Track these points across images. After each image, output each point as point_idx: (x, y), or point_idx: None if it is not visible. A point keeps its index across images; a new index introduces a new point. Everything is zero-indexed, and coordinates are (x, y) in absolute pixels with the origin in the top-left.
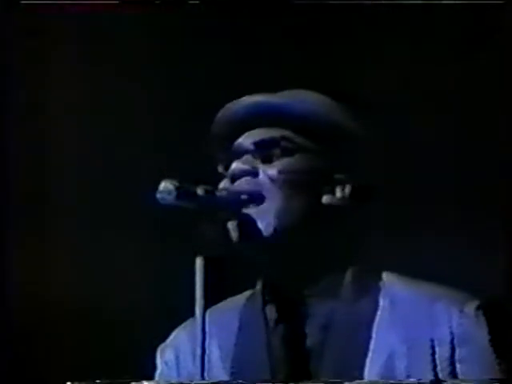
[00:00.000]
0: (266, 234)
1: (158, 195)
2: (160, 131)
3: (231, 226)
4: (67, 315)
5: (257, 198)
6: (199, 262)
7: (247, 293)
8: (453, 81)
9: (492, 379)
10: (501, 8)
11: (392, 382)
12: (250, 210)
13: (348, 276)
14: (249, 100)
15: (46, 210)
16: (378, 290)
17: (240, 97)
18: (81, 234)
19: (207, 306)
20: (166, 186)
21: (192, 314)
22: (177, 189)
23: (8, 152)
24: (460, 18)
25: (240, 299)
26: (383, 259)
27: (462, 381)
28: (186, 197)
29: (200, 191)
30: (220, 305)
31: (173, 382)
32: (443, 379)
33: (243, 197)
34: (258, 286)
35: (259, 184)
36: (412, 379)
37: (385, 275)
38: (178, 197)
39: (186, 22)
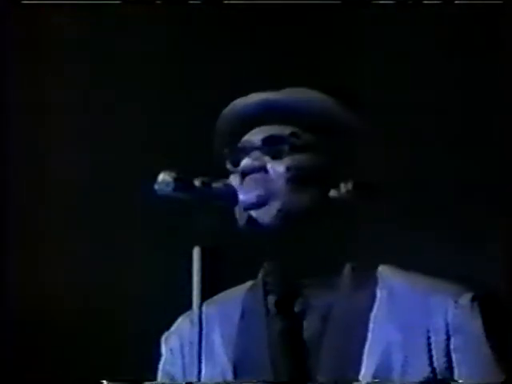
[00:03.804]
0: (269, 226)
1: (156, 187)
2: (158, 124)
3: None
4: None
5: (265, 194)
6: (196, 252)
7: (249, 283)
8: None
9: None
10: (501, 8)
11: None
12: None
13: (347, 269)
14: (257, 97)
15: (46, 202)
16: (375, 282)
17: (237, 95)
18: (80, 225)
19: (205, 296)
20: (164, 177)
21: (191, 304)
22: (175, 180)
23: (7, 151)
24: (460, 18)
25: (242, 289)
26: (381, 252)
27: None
28: (184, 188)
29: (197, 183)
30: (222, 294)
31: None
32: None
33: (249, 198)
34: (260, 276)
35: (269, 180)
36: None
37: (382, 268)
38: (175, 188)
39: (186, 22)
